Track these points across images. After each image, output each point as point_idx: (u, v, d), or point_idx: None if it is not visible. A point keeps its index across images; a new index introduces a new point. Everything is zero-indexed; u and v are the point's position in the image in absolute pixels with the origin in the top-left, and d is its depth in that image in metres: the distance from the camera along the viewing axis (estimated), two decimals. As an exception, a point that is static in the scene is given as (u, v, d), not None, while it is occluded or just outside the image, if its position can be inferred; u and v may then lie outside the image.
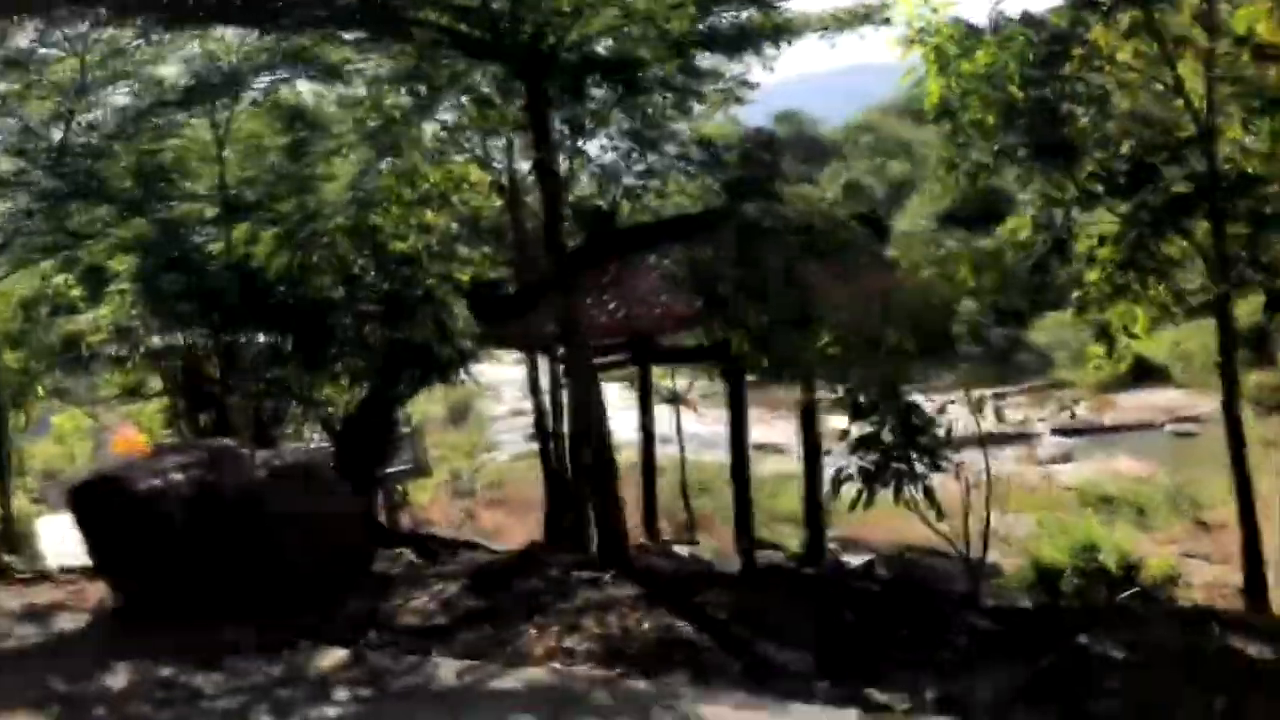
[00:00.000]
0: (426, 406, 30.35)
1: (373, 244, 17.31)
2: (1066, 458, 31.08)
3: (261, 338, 19.25)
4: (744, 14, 9.18)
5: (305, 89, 14.97)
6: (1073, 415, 27.74)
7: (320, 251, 17.14)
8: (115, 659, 7.58)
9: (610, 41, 9.65)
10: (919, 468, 8.09)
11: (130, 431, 29.47)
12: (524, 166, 17.63)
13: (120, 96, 11.39)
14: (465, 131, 17.39)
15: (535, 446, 43.50)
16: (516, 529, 22.85)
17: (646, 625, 6.79)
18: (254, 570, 8.55)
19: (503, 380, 38.26)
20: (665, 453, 26.57)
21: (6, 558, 12.36)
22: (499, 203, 17.95)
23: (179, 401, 19.82)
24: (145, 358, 17.77)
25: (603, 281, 13.48)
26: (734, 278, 9.82)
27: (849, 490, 8.30)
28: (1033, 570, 13.11)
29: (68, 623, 8.75)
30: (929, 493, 8.11)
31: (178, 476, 8.83)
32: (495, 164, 17.76)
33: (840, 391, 8.77)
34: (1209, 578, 13.65)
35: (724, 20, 9.35)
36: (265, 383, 19.86)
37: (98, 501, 8.94)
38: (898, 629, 6.61)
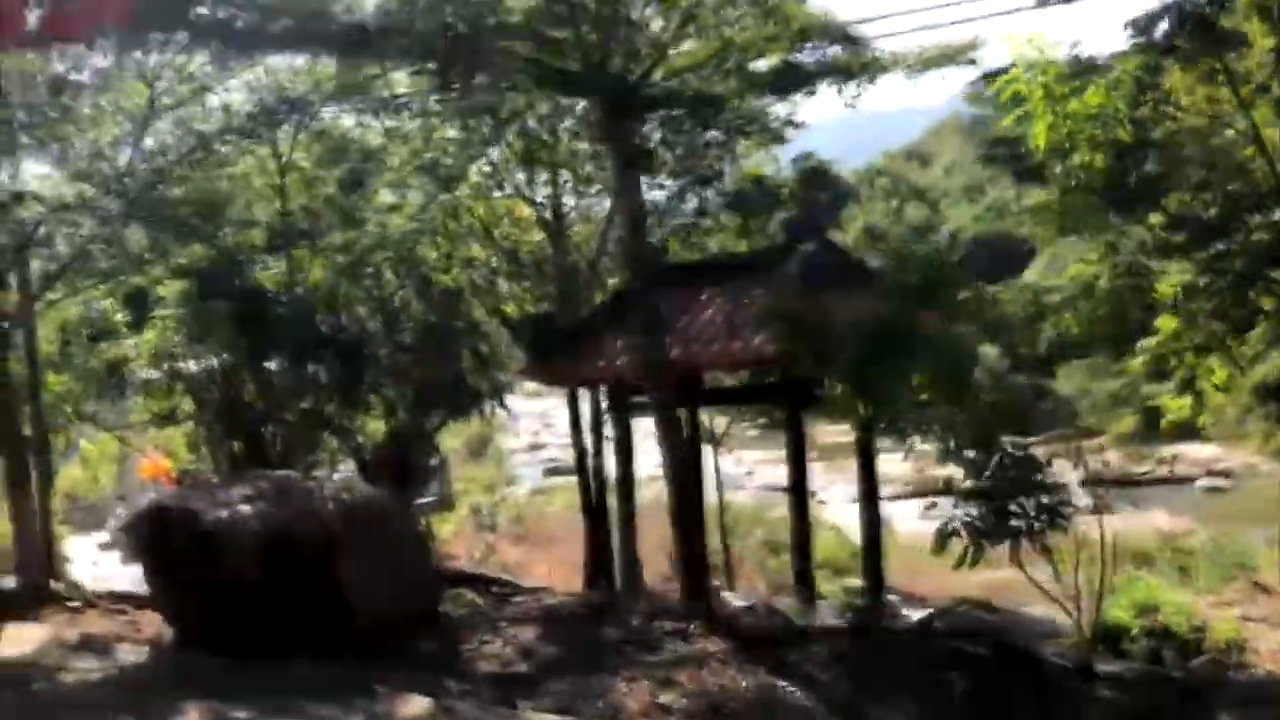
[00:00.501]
0: (446, 439, 30.14)
1: (418, 276, 17.20)
2: (1098, 510, 30.54)
3: (299, 366, 19.12)
4: (830, 51, 8.94)
5: (354, 122, 14.93)
6: (1105, 465, 27.30)
7: (365, 282, 17.03)
8: (183, 698, 7.28)
9: (690, 77, 9.46)
10: (1037, 525, 7.75)
11: (156, 457, 29.26)
12: (569, 202, 17.54)
13: (184, 123, 11.23)
14: (510, 166, 17.29)
15: (554, 481, 43.26)
16: (538, 564, 22.61)
17: (745, 684, 6.50)
18: (322, 608, 8.28)
19: (520, 413, 38.11)
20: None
21: (54, 584, 12.06)
22: (539, 237, 17.80)
23: (214, 428, 19.63)
24: (184, 384, 17.59)
25: (656, 318, 13.20)
26: (828, 319, 9.53)
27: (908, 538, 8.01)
28: (1096, 630, 12.77)
29: (128, 655, 8.45)
30: (1047, 552, 7.79)
31: (245, 509, 8.56)
32: (539, 200, 17.66)
33: (937, 440, 8.48)
34: (1274, 644, 13.25)
35: (809, 57, 9.07)
36: (300, 412, 19.68)
37: (161, 532, 8.67)
38: (1013, 698, 6.29)
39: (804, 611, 10.23)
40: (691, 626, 7.68)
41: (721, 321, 12.41)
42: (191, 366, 17.13)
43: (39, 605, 10.84)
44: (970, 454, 8.04)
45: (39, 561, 11.45)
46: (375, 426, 21.70)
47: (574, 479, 44.53)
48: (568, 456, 52.46)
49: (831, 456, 36.37)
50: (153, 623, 9.96)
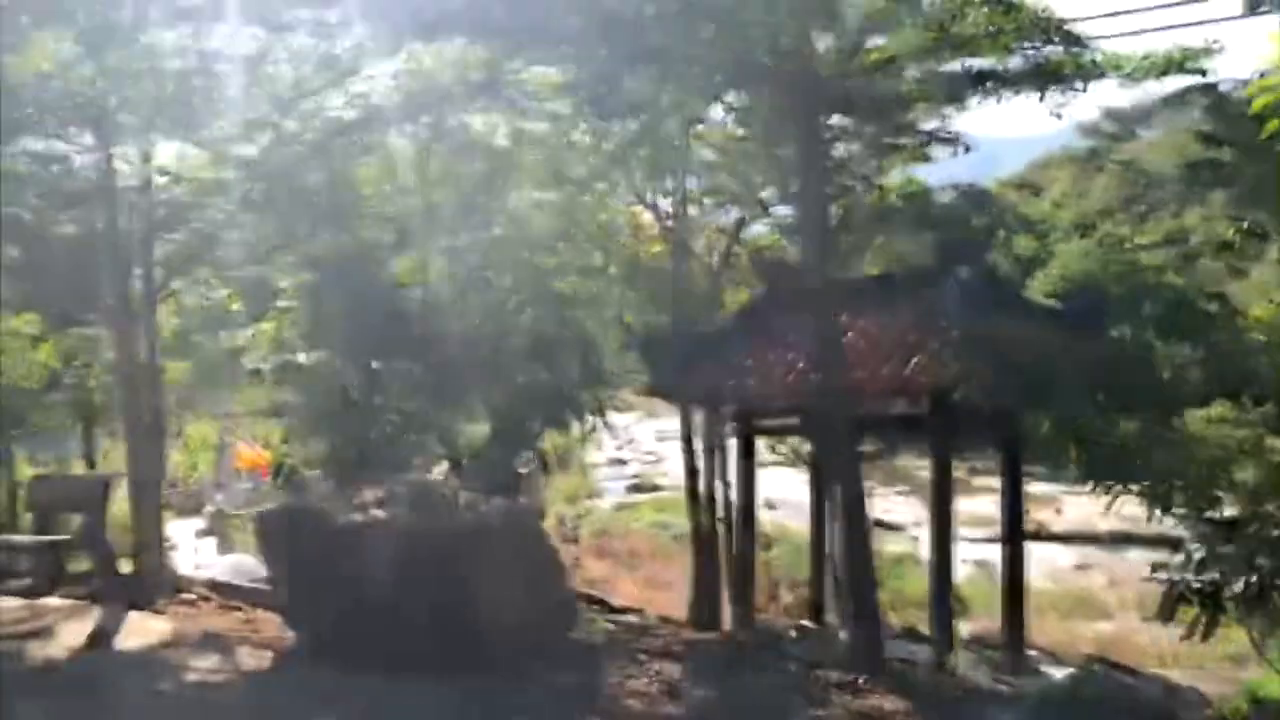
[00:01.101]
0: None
1: (535, 281, 16.78)
2: (1209, 565, 28.90)
3: (408, 366, 18.86)
4: (1045, 50, 8.04)
5: (487, 121, 14.50)
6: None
7: (483, 285, 16.66)
8: (317, 711, 6.82)
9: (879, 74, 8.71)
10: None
11: (255, 448, 29.47)
12: (691, 211, 16.93)
13: (325, 109, 10.87)
14: (635, 172, 16.73)
15: (636, 498, 42.52)
16: (623, 582, 22.09)
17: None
18: (454, 624, 7.77)
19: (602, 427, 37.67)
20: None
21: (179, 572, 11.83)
22: (658, 248, 17.24)
23: (320, 424, 19.46)
24: (295, 377, 17.41)
25: (788, 337, 12.54)
26: (1036, 351, 8.78)
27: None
28: (1248, 701, 11.73)
29: (251, 659, 8.02)
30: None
31: (379, 514, 8.10)
32: (661, 208, 17.09)
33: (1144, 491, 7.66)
34: None
35: (1020, 58, 8.14)
36: (403, 413, 19.42)
37: (293, 532, 8.25)
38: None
39: (954, 658, 9.43)
40: (862, 680, 6.98)
41: (868, 345, 11.69)
42: (304, 359, 16.98)
43: (156, 594, 10.56)
44: (1213, 514, 7.18)
45: (158, 548, 11.14)
46: (475, 430, 21.45)
47: (656, 495, 43.86)
48: (650, 473, 51.87)
49: (921, 491, 35.22)
50: (269, 624, 9.57)
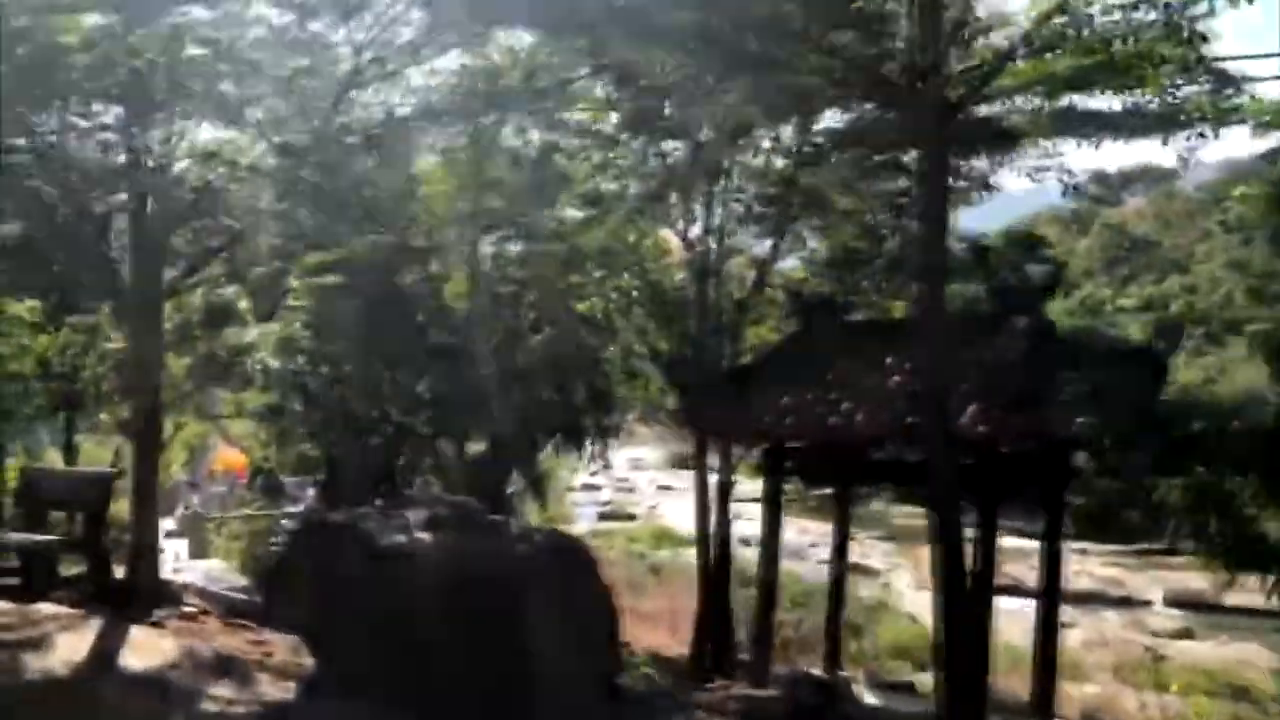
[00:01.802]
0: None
1: (557, 299, 16.15)
2: (1186, 633, 28.72)
3: (413, 378, 18.08)
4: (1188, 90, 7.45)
5: (534, 134, 13.88)
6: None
7: (507, 300, 16.00)
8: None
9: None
10: None
11: (232, 451, 28.37)
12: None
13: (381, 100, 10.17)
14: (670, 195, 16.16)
15: (608, 525, 41.64)
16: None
17: None
18: (501, 665, 7.04)
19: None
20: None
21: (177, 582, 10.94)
22: (681, 275, 16.65)
23: (320, 431, 18.61)
24: (299, 380, 16.59)
25: (831, 377, 11.96)
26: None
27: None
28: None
29: (273, 689, 7.22)
30: None
31: (424, 537, 7.35)
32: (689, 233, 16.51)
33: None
34: None
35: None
36: (402, 426, 18.60)
37: (329, 552, 7.48)
38: None
39: None
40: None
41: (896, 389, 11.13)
42: (306, 364, 16.16)
43: (154, 604, 9.69)
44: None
45: (154, 555, 10.24)
46: (473, 449, 20.64)
47: (629, 525, 42.94)
48: (624, 501, 50.84)
49: (905, 538, 34.68)
50: (280, 647, 8.75)
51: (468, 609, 6.91)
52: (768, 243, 14.70)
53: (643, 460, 56.86)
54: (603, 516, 43.79)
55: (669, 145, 12.92)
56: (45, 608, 9.01)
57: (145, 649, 7.81)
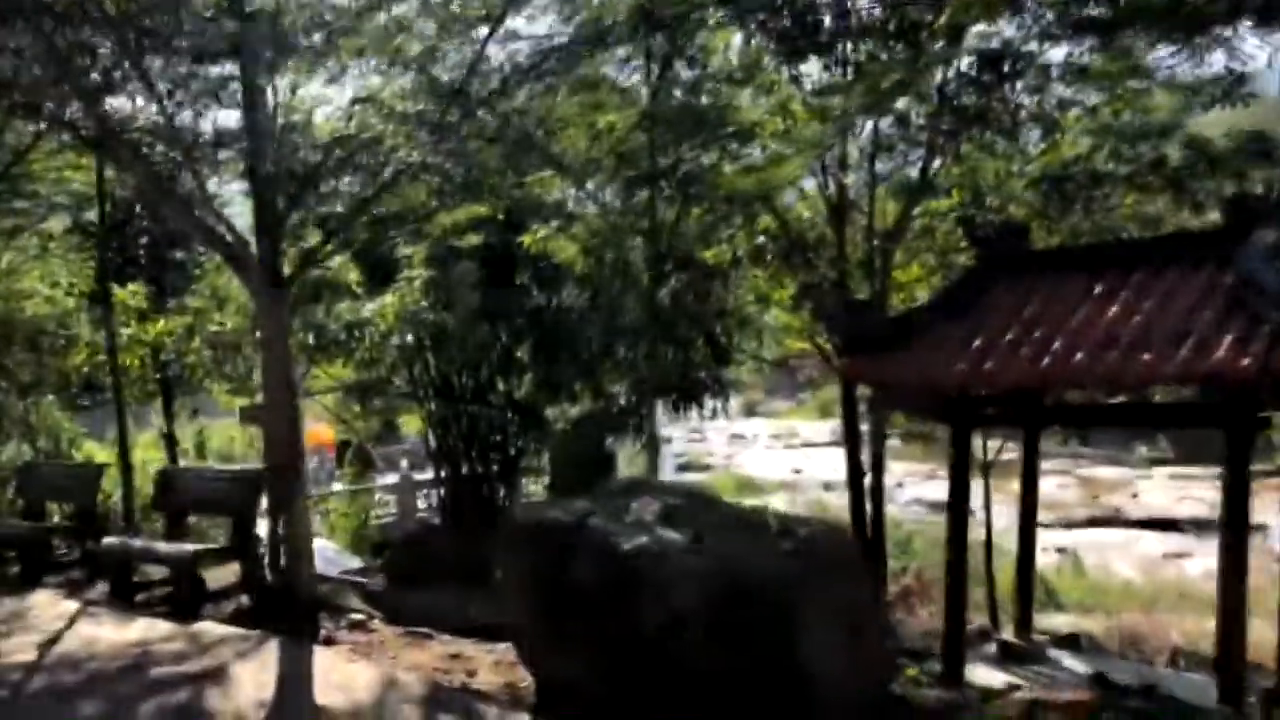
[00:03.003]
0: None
1: (676, 249, 14.67)
2: (1322, 559, 26.98)
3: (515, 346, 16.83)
4: None
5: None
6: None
7: (631, 255, 14.55)
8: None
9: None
10: None
11: (319, 426, 27.39)
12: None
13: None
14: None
15: (686, 478, 40.45)
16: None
17: None
18: (772, 685, 5.74)
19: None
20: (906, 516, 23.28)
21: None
22: (807, 215, 15.04)
23: (425, 406, 17.45)
24: (408, 353, 15.37)
25: (1026, 313, 10.41)
26: None
27: None
28: None
29: (506, 727, 5.96)
30: None
31: (670, 536, 6.03)
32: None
33: None
34: None
35: None
36: (506, 397, 17.39)
37: (553, 553, 6.19)
38: None
39: None
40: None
41: (1142, 324, 9.55)
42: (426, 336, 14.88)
43: (314, 613, 8.52)
44: None
45: (310, 557, 8.96)
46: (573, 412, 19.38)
47: (706, 475, 41.54)
48: (697, 452, 49.45)
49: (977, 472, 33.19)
50: (477, 659, 7.56)
51: (733, 621, 5.63)
52: (916, 168, 12.97)
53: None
54: (679, 468, 42.46)
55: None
56: (209, 628, 7.90)
57: (336, 678, 6.61)
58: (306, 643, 7.51)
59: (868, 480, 13.74)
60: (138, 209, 17.13)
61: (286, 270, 9.03)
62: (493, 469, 17.66)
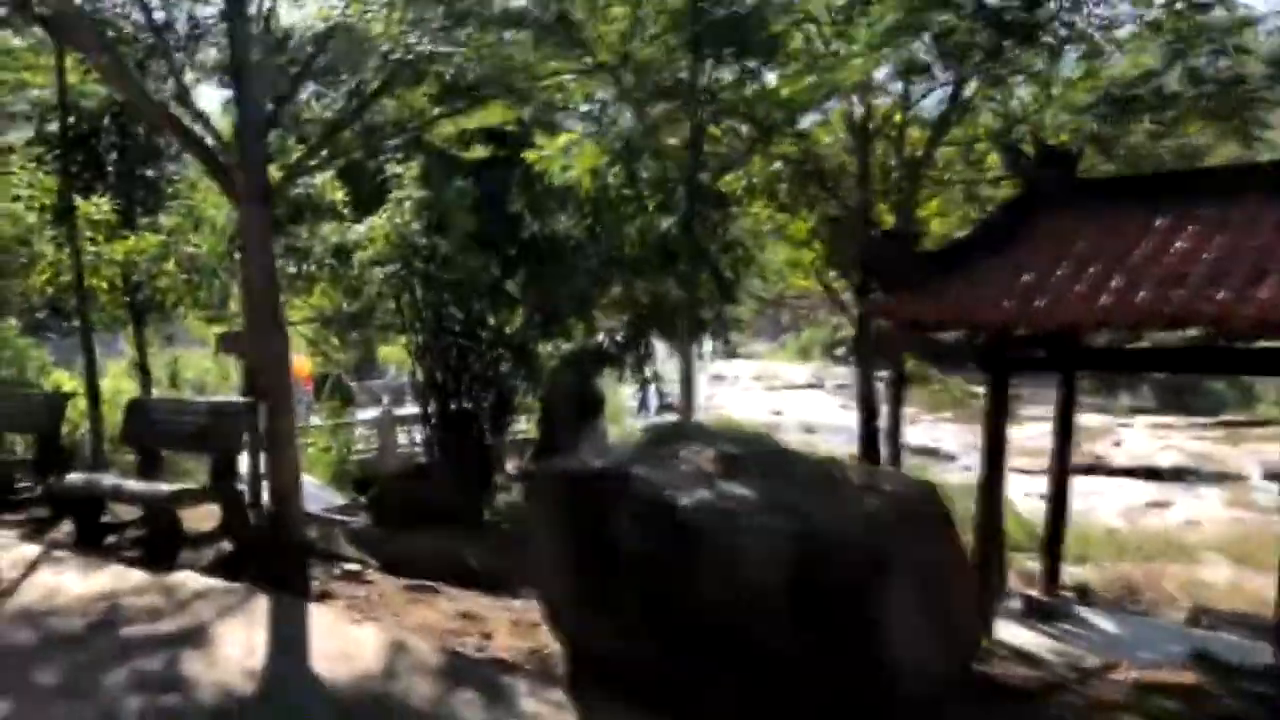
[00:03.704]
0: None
1: (684, 177, 13.57)
2: (1294, 509, 26.73)
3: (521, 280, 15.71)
4: None
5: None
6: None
7: (630, 180, 13.43)
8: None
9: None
10: None
11: (297, 359, 26.20)
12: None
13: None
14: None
15: (671, 419, 39.68)
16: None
17: None
18: (851, 665, 4.86)
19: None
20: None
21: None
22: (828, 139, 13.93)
23: (413, 339, 16.36)
24: (397, 282, 14.22)
25: (1079, 247, 9.57)
26: None
27: None
28: None
29: (542, 706, 5.04)
30: None
31: (735, 489, 5.08)
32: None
33: None
34: None
35: None
36: (496, 333, 16.31)
37: (595, 507, 5.23)
38: None
39: None
40: None
41: (1214, 261, 8.67)
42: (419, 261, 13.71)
43: (301, 561, 7.53)
44: None
45: (299, 500, 7.93)
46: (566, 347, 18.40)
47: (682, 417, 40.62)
48: (674, 392, 48.70)
49: (961, 415, 32.63)
50: (491, 620, 6.64)
51: (815, 591, 4.73)
52: (946, 91, 11.95)
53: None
54: (662, 408, 41.41)
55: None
56: (187, 579, 6.90)
57: (336, 644, 5.65)
58: (298, 599, 6.53)
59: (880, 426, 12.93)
60: (105, 121, 15.75)
61: (273, 179, 7.89)
62: (483, 407, 16.65)
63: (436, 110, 8.07)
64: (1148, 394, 36.47)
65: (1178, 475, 29.49)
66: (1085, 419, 38.27)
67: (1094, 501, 24.78)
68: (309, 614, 6.20)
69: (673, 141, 12.51)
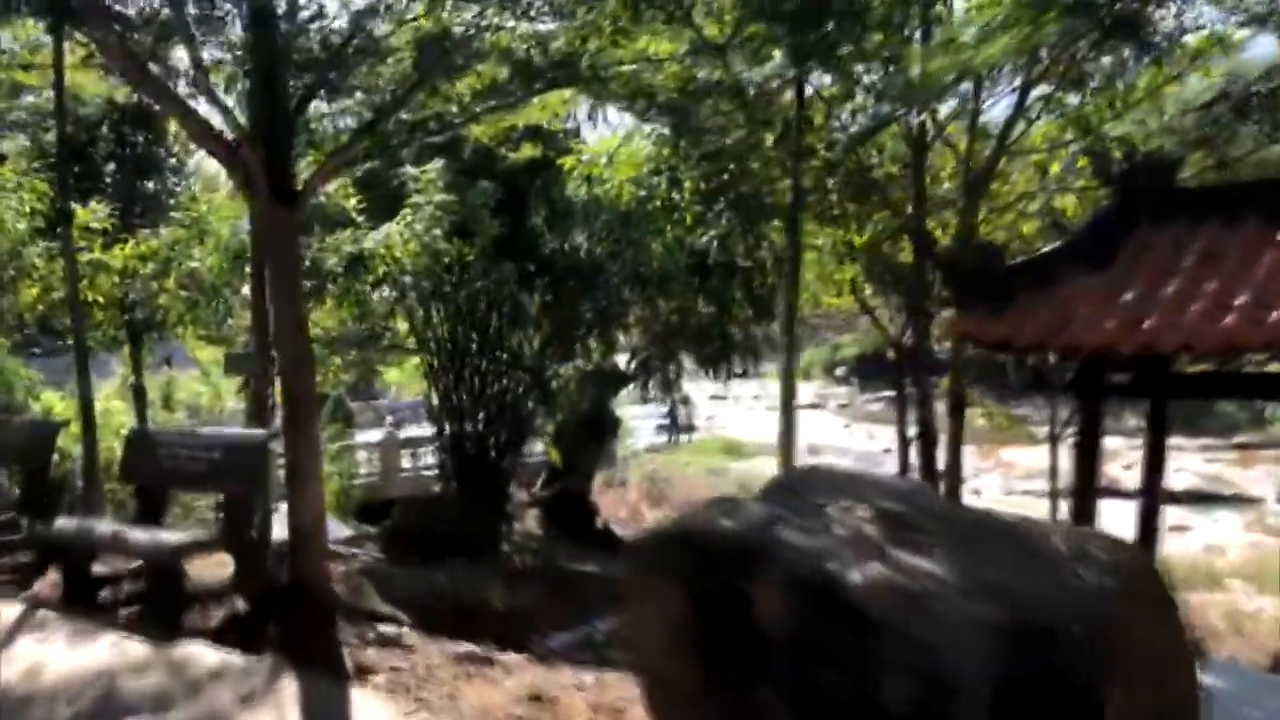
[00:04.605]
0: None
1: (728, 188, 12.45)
2: (1315, 531, 25.84)
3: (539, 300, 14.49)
4: None
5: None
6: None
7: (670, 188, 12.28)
8: None
9: None
10: None
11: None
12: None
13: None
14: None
15: (662, 440, 38.50)
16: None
17: None
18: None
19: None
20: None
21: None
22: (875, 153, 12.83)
23: (427, 360, 15.14)
24: (412, 298, 12.95)
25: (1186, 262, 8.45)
26: None
27: None
28: None
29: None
30: None
31: (915, 561, 3.90)
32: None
33: None
34: None
35: None
36: (512, 356, 15.09)
37: (727, 579, 4.04)
38: None
39: None
40: None
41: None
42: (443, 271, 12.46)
43: (327, 619, 6.29)
44: None
45: (323, 545, 6.68)
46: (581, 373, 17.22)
47: (694, 439, 39.50)
48: (678, 414, 47.28)
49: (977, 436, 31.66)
50: (571, 704, 5.41)
51: (1023, 693, 3.58)
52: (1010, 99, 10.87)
53: (687, 368, 53.84)
54: (660, 429, 40.25)
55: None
56: (196, 652, 5.64)
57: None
58: (333, 678, 5.29)
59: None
60: (104, 129, 14.58)
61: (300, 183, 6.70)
62: (499, 430, 15.39)
63: (491, 101, 6.83)
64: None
65: (1193, 499, 28.50)
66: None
67: (1111, 526, 23.78)
68: (351, 703, 4.95)
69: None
